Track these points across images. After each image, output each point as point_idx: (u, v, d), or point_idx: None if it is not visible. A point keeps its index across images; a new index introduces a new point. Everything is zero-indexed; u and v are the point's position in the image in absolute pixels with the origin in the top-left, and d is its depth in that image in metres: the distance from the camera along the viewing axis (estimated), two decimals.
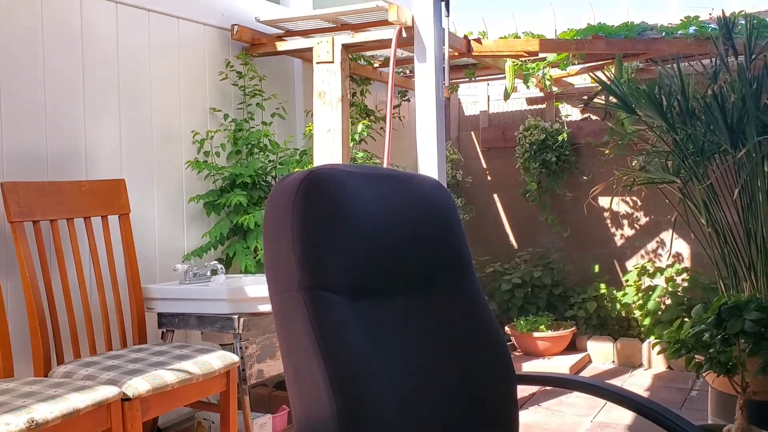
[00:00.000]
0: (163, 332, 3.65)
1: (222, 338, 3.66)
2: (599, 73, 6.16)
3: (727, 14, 5.40)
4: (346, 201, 1.61)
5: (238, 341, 3.42)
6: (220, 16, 4.52)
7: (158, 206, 4.04)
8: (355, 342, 1.54)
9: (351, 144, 4.74)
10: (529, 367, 5.34)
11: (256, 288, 3.46)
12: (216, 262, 3.80)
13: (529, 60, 5.63)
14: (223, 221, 4.17)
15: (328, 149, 4.43)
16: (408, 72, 5.96)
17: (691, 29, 5.20)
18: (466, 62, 5.77)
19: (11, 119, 3.26)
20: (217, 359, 3.08)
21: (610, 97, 3.29)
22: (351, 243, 1.61)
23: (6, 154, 3.23)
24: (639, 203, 5.98)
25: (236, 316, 3.40)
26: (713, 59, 3.40)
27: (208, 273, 3.78)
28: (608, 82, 3.33)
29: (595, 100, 5.31)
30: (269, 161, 4.47)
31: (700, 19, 5.31)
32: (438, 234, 1.86)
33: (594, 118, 6.19)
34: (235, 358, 3.21)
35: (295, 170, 4.06)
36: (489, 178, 6.65)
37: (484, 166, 6.69)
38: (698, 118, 3.00)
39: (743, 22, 5.04)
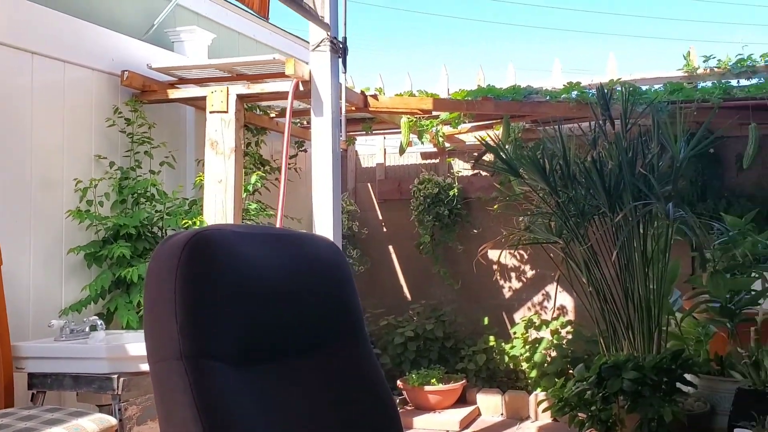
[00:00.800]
0: (33, 394, 3.38)
1: (99, 399, 3.43)
2: (489, 132, 6.41)
3: (606, 81, 5.82)
4: (233, 264, 1.56)
5: (117, 402, 3.21)
6: (110, 61, 4.38)
7: (34, 258, 3.79)
8: (240, 413, 1.47)
9: (244, 195, 4.67)
10: (420, 422, 5.33)
11: (138, 345, 3.28)
12: (96, 317, 3.59)
13: (423, 117, 5.79)
14: (105, 274, 3.96)
15: (219, 200, 4.34)
16: (305, 123, 5.98)
17: (573, 94, 5.54)
18: (363, 116, 5.86)
19: None
20: (93, 423, 2.88)
21: (498, 160, 3.40)
22: (238, 308, 1.55)
23: None
24: (525, 257, 6.20)
25: (115, 376, 3.20)
26: (593, 123, 3.61)
27: (87, 329, 3.56)
28: (494, 145, 3.46)
29: (485, 157, 5.50)
30: (156, 211, 4.31)
31: (581, 85, 5.67)
32: (329, 296, 1.83)
33: (484, 174, 6.41)
34: (113, 421, 3.01)
35: (183, 222, 3.95)
36: (385, 229, 6.71)
37: (381, 217, 6.75)
38: (579, 182, 3.16)
39: (620, 88, 5.43)
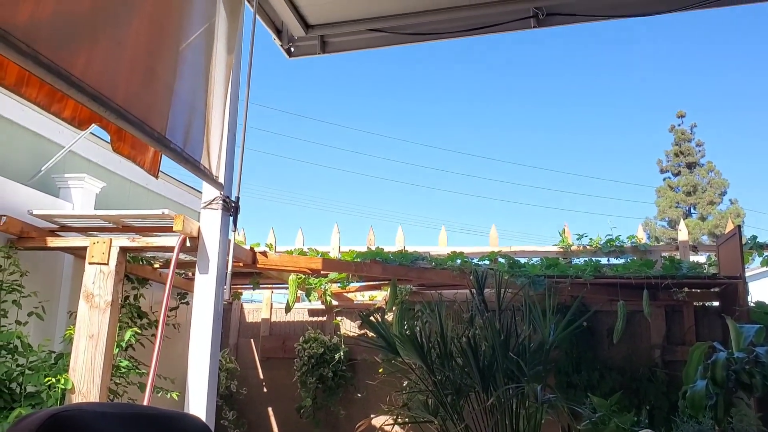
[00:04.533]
0: None
1: None
2: (377, 293, 6.51)
3: (488, 252, 6.14)
4: None
5: None
6: None
7: None
8: None
9: (116, 351, 4.43)
10: None
11: None
12: None
13: (312, 275, 5.84)
14: None
15: (89, 356, 4.09)
16: (189, 274, 5.86)
17: (458, 261, 5.79)
18: (252, 270, 5.82)
19: None
20: None
21: (378, 338, 3.45)
22: None
23: None
24: (408, 426, 6.11)
25: None
26: (473, 291, 3.75)
27: None
28: (375, 322, 3.52)
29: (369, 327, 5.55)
30: (17, 366, 3.99)
31: (465, 254, 5.95)
32: None
33: (371, 334, 6.42)
34: None
35: (46, 379, 3.69)
36: (265, 389, 6.48)
37: (262, 376, 6.53)
38: (455, 360, 3.23)
39: (502, 260, 5.72)
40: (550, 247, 6.29)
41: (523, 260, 5.85)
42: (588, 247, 6.16)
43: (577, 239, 6.19)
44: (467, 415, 3.23)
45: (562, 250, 6.19)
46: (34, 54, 1.99)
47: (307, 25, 4.80)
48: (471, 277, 4.00)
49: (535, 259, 5.93)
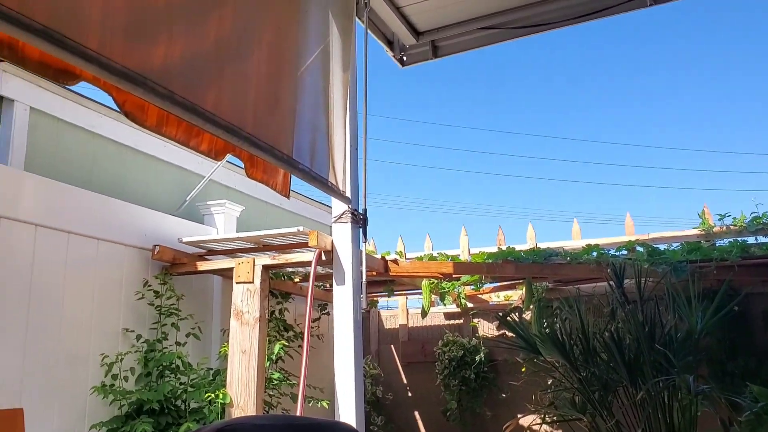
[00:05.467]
0: None
1: None
2: (512, 292, 6.44)
3: (624, 241, 5.90)
4: None
5: None
6: (143, 236, 4.59)
7: None
8: None
9: (267, 364, 4.67)
10: None
11: None
12: None
13: (444, 279, 5.87)
14: None
15: (243, 371, 4.35)
16: (327, 286, 6.08)
17: (593, 254, 5.61)
18: (385, 278, 5.95)
19: None
20: None
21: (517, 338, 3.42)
22: None
23: None
24: (556, 425, 5.99)
25: None
26: (612, 283, 3.63)
27: None
28: (512, 322, 3.49)
29: (508, 319, 5.49)
30: (180, 384, 4.31)
31: (600, 246, 5.75)
32: None
33: (510, 334, 6.36)
34: None
35: (206, 395, 3.94)
36: (410, 394, 6.58)
37: (405, 381, 6.64)
38: (599, 355, 3.14)
39: (640, 249, 5.48)
40: (689, 230, 5.96)
41: (662, 247, 5.57)
42: (731, 227, 5.78)
43: (719, 220, 5.82)
44: (617, 411, 3.13)
45: (703, 232, 5.85)
46: (170, 94, 2.17)
47: (417, 33, 4.87)
48: (608, 270, 3.87)
49: (675, 245, 5.63)
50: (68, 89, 4.48)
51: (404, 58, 5.01)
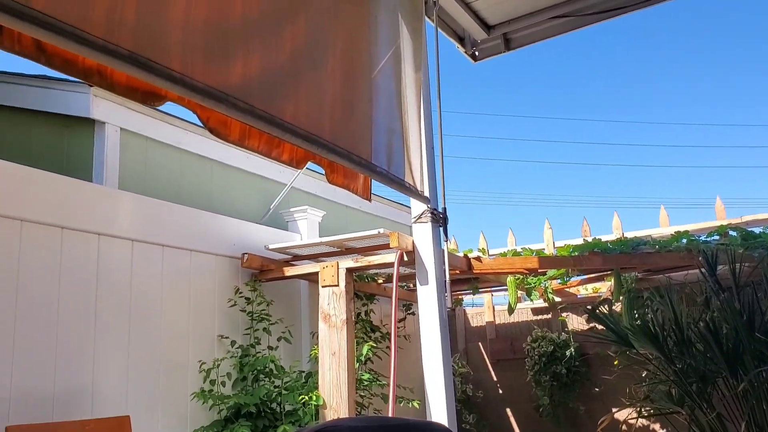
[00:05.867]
0: None
1: None
2: (600, 284, 6.28)
3: (716, 226, 5.66)
4: None
5: None
6: (231, 246, 4.75)
7: None
8: None
9: (356, 365, 4.74)
10: None
11: None
12: None
13: (529, 274, 5.79)
14: None
15: (333, 373, 4.43)
16: (411, 286, 6.10)
17: (683, 241, 5.40)
18: (469, 276, 5.92)
19: (22, 362, 3.32)
20: None
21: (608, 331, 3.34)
22: None
23: (14, 396, 3.25)
24: (654, 418, 5.81)
25: None
26: (704, 271, 3.49)
27: None
28: (602, 316, 3.41)
29: (598, 310, 5.37)
30: (275, 387, 4.44)
31: (689, 232, 5.54)
32: None
33: (600, 327, 6.21)
34: None
35: (300, 397, 4.04)
36: (500, 391, 6.53)
37: (495, 378, 6.59)
38: (695, 346, 3.03)
39: (733, 233, 5.25)
40: None
41: (757, 230, 5.30)
42: None
43: None
44: (717, 403, 3.01)
45: None
46: (250, 109, 2.24)
47: (488, 27, 4.83)
48: (700, 257, 3.72)
49: None
50: (155, 109, 4.70)
51: (476, 53, 4.98)
